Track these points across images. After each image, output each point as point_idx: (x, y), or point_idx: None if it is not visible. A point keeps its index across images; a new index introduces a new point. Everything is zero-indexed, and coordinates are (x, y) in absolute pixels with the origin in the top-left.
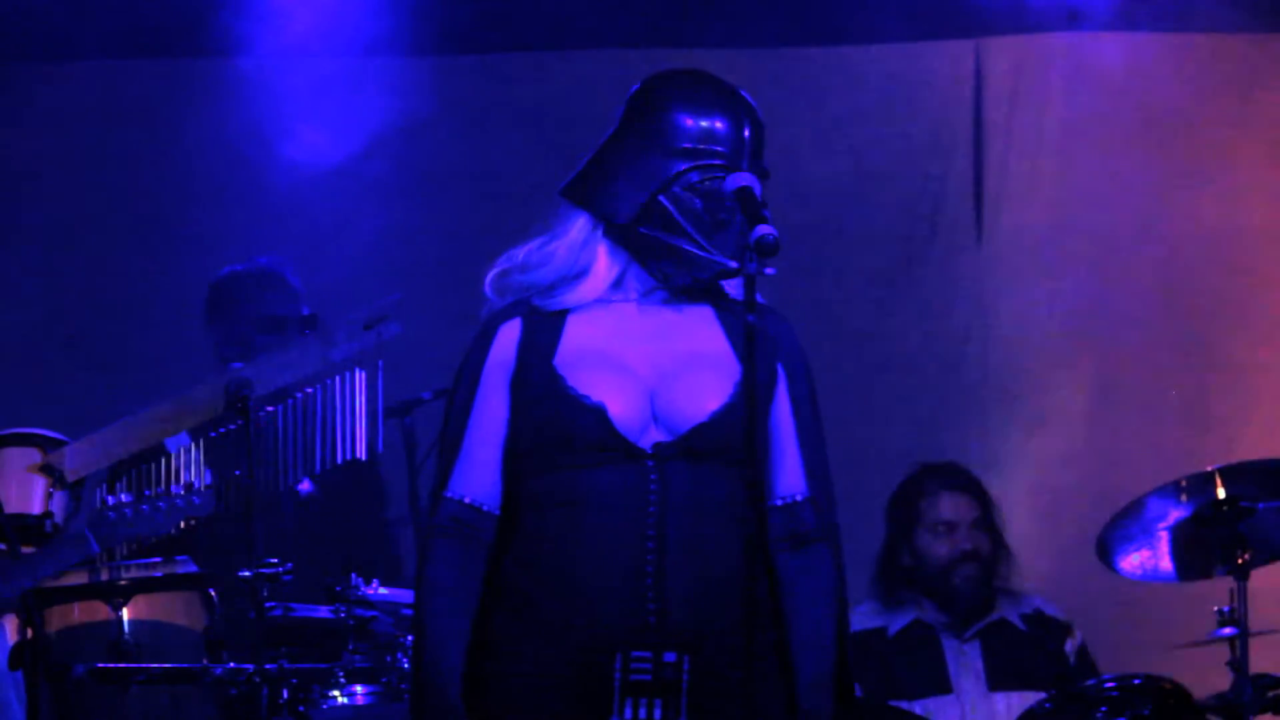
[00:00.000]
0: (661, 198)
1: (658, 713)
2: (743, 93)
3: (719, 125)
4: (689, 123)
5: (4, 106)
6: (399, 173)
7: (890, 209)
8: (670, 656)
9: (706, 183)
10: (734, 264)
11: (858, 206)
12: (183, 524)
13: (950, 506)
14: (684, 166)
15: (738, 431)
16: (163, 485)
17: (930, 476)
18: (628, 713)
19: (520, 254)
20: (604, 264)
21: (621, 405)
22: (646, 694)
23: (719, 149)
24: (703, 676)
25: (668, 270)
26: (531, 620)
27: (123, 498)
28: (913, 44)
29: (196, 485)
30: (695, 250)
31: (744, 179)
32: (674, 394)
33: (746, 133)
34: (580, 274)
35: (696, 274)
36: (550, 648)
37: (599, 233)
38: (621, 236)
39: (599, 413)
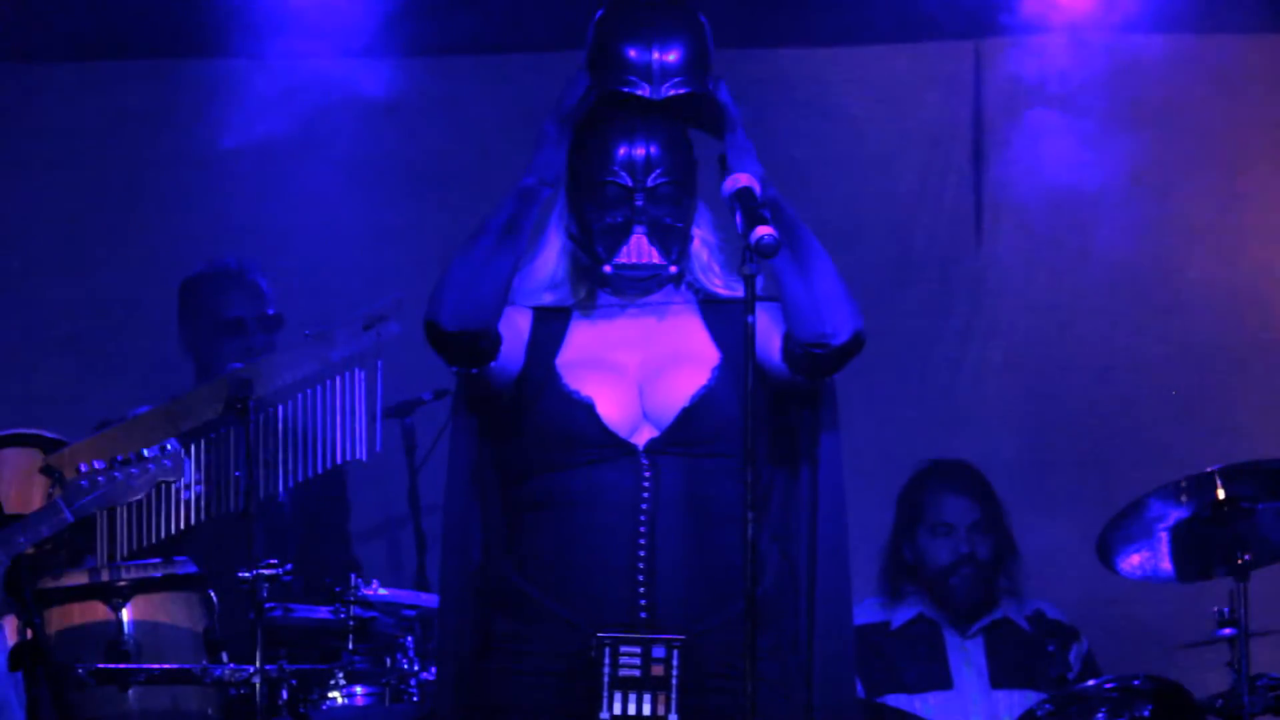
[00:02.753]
0: (572, 206)
1: (646, 707)
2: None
3: (621, 151)
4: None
5: (4, 106)
6: (398, 172)
7: (890, 209)
8: (659, 651)
9: (605, 202)
10: (640, 272)
11: (857, 206)
12: (182, 524)
13: (951, 508)
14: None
15: (720, 416)
16: (134, 452)
17: (936, 475)
18: (617, 707)
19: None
20: (563, 273)
21: (611, 403)
22: (635, 688)
23: (615, 181)
24: (695, 672)
25: (597, 283)
26: (530, 618)
27: (95, 465)
28: (913, 44)
29: (170, 449)
30: (603, 265)
31: (743, 180)
32: (657, 389)
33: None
34: (550, 281)
35: (620, 286)
36: (548, 645)
37: (560, 240)
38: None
39: (589, 409)
